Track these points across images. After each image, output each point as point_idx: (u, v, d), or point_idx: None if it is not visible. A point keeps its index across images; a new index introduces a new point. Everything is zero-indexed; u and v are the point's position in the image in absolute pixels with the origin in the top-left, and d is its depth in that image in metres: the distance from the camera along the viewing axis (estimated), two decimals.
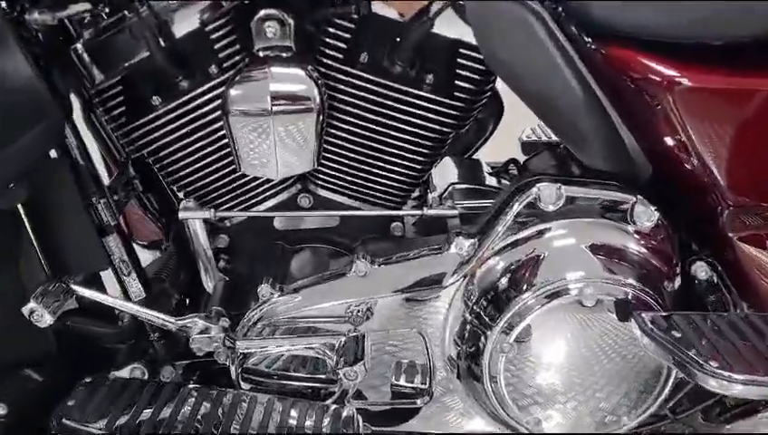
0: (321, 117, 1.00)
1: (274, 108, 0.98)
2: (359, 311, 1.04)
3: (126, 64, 1.09)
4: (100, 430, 0.93)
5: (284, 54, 1.00)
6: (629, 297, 0.96)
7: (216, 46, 1.05)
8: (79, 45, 1.10)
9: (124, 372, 1.15)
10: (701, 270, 1.02)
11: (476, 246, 1.01)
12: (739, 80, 0.93)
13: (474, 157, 1.37)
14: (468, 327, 1.02)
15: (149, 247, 1.41)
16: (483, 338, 0.99)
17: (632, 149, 1.00)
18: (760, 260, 1.02)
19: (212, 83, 1.05)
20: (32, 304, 0.98)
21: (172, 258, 1.28)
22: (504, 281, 0.99)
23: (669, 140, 0.98)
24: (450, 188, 1.18)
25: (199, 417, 0.96)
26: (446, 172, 1.26)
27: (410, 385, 1.08)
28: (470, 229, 1.04)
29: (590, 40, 0.98)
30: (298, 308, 1.04)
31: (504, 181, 1.24)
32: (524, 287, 0.97)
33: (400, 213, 1.14)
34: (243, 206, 1.14)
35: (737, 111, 0.95)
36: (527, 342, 0.99)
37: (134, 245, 1.34)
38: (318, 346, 1.01)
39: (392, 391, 1.09)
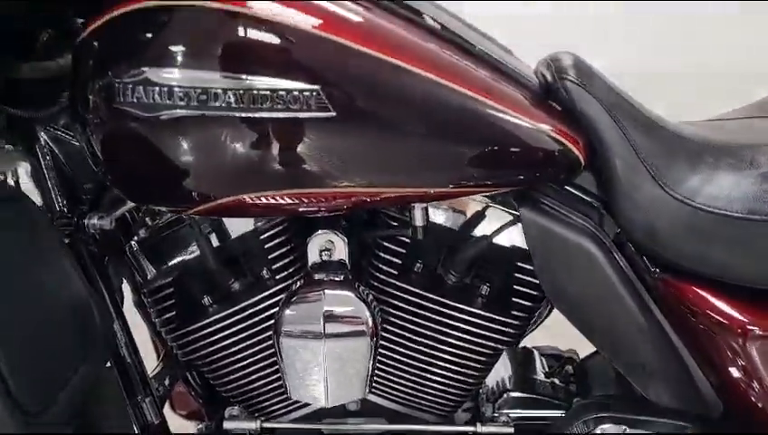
0: (374, 340, 0.97)
1: (327, 331, 0.96)
2: None
3: (178, 263, 1.09)
4: None
5: (339, 276, 0.98)
6: None
7: (270, 256, 1.04)
8: (133, 243, 1.11)
9: None
10: None
11: None
12: None
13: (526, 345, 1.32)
14: None
15: (189, 418, 1.39)
16: None
17: (701, 385, 0.95)
18: None
19: (264, 293, 1.04)
20: None
21: None
22: None
23: (740, 379, 0.93)
24: (505, 395, 1.13)
25: None
26: (497, 367, 1.21)
27: None
28: None
29: (655, 270, 0.94)
30: None
31: (557, 383, 1.18)
32: None
33: (453, 429, 1.10)
34: (289, 409, 1.11)
35: None
36: None
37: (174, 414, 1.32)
38: None
39: None
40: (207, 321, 1.06)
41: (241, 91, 0.82)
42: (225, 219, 1.08)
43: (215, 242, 1.07)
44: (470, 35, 0.97)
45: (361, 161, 0.88)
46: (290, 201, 0.90)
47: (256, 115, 0.83)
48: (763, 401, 0.92)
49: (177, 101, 0.82)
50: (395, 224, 1.02)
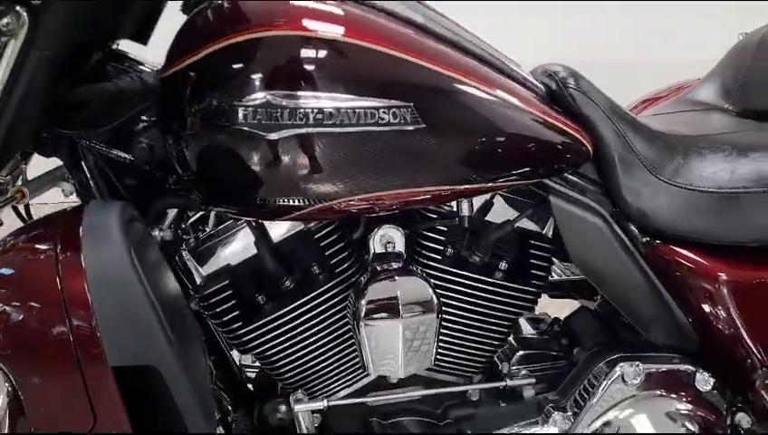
0: (440, 316, 1.13)
1: (403, 313, 1.10)
2: None
3: (229, 267, 1.17)
4: None
5: (399, 263, 1.13)
6: None
7: (327, 253, 1.16)
8: (184, 252, 1.17)
9: None
10: (744, 421, 1.24)
11: (571, 421, 1.18)
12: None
13: None
14: None
15: None
16: None
17: (684, 325, 1.22)
18: None
19: (324, 287, 1.15)
20: None
21: None
22: None
23: (713, 316, 1.21)
24: (517, 354, 1.33)
25: None
26: None
27: None
28: (560, 403, 1.21)
29: (646, 238, 1.19)
30: None
31: (551, 340, 1.41)
32: None
33: (485, 386, 1.28)
34: (341, 387, 1.24)
35: None
36: None
37: None
38: None
39: None
40: (268, 319, 1.15)
41: (350, 110, 0.94)
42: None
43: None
44: (493, 51, 1.16)
45: (435, 164, 1.03)
46: (368, 204, 1.03)
47: (361, 130, 0.95)
48: (729, 330, 1.20)
49: (297, 121, 0.93)
50: (435, 217, 1.18)
